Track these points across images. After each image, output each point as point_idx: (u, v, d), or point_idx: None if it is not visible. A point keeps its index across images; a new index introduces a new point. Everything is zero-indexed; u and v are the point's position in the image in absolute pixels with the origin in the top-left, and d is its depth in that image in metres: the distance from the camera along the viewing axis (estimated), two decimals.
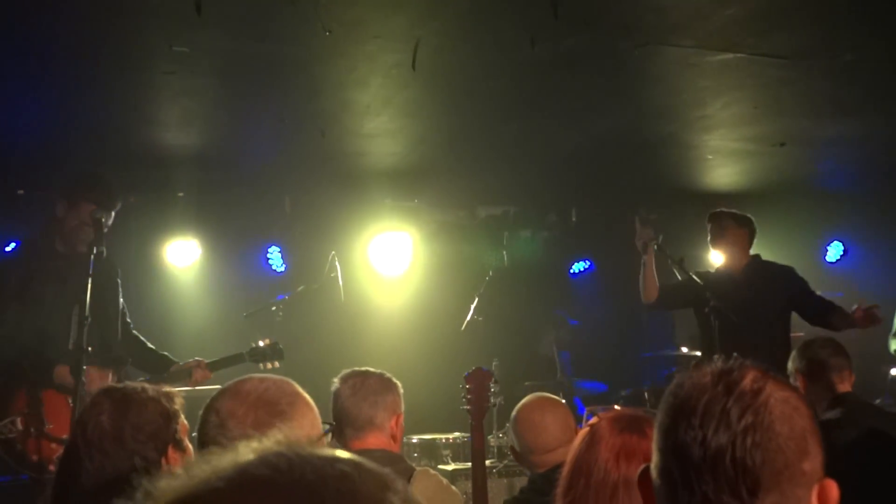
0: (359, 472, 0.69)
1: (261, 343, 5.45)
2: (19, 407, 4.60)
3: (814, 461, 1.34)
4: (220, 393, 2.18)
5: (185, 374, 5.11)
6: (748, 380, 1.36)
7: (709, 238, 6.12)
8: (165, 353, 5.27)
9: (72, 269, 4.70)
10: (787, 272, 6.11)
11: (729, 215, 6.09)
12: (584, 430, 2.10)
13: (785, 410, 1.34)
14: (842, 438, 3.58)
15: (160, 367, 5.14)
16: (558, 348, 8.19)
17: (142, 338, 5.28)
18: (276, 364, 5.38)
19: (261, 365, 5.36)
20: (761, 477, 1.30)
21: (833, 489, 1.34)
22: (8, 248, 5.99)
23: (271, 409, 2.10)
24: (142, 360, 5.17)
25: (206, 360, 5.21)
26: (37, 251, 4.88)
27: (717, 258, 8.28)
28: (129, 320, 5.27)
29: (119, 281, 5.18)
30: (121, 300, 5.18)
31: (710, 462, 1.31)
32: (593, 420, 2.10)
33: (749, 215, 6.20)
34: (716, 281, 5.91)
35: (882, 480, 3.32)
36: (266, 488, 0.66)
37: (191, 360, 5.19)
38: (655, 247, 5.76)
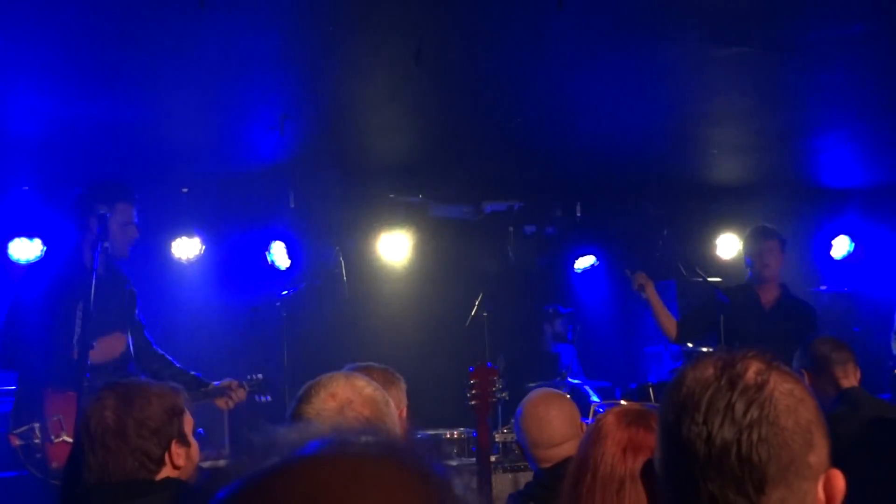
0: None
1: (255, 376, 5.29)
2: (52, 412, 4.61)
3: (819, 453, 1.32)
4: (332, 379, 2.22)
5: (216, 394, 4.98)
6: (752, 372, 1.33)
7: (759, 256, 5.76)
8: (194, 372, 5.09)
9: (113, 283, 4.84)
10: (809, 314, 5.85)
11: (780, 237, 5.79)
12: (591, 425, 2.09)
13: (790, 403, 1.31)
14: (847, 433, 3.57)
15: (190, 389, 5.03)
16: (556, 342, 8.17)
17: (168, 356, 5.13)
18: (269, 398, 5.27)
19: (256, 397, 5.27)
20: (767, 472, 1.27)
21: (839, 480, 1.32)
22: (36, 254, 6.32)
23: (378, 407, 2.18)
24: (167, 380, 5.04)
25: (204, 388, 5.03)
26: (76, 264, 4.81)
27: (722, 252, 8.25)
28: (148, 336, 5.14)
29: (132, 293, 5.17)
30: (136, 313, 5.16)
31: (715, 459, 1.28)
32: (600, 415, 2.10)
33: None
34: (740, 304, 5.70)
35: (887, 474, 3.31)
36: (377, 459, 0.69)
37: (226, 380, 5.02)
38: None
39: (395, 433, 0.73)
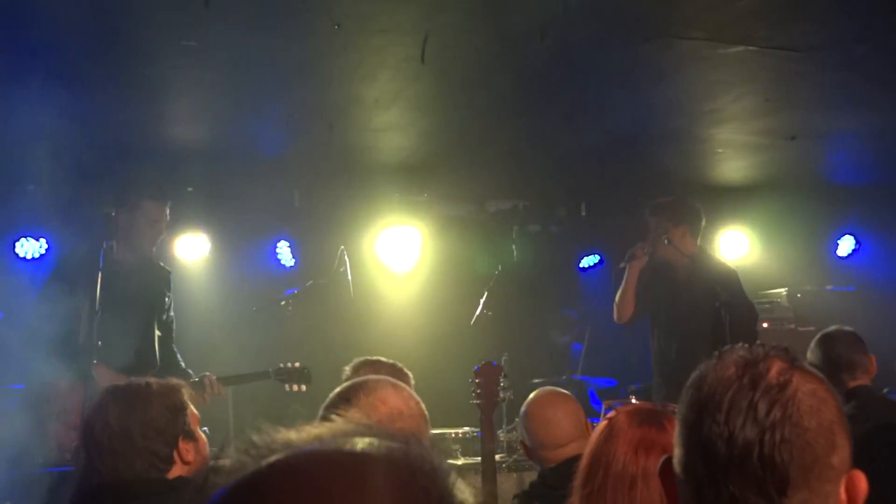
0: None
1: (289, 364, 5.37)
2: (57, 395, 4.69)
3: (842, 454, 1.30)
4: (380, 384, 2.17)
5: (195, 387, 5.10)
6: (774, 371, 1.31)
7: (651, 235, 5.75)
8: (189, 369, 5.26)
9: (143, 279, 4.98)
10: (725, 277, 5.73)
11: (665, 213, 5.74)
12: (602, 424, 2.09)
13: (813, 404, 1.29)
14: (856, 432, 3.55)
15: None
16: (568, 344, 8.17)
17: (178, 354, 5.32)
18: (303, 388, 5.30)
19: (286, 386, 5.32)
20: (790, 474, 1.25)
21: (861, 480, 1.30)
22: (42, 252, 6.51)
23: (422, 423, 2.15)
24: (167, 373, 5.14)
25: (232, 374, 5.25)
26: (94, 260, 4.85)
27: (727, 251, 8.24)
28: (173, 333, 5.31)
29: (169, 290, 5.29)
30: (166, 308, 5.26)
31: (736, 459, 1.26)
32: (611, 413, 2.09)
33: (690, 204, 5.86)
34: (654, 275, 5.75)
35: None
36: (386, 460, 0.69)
37: (203, 374, 5.12)
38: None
39: (425, 446, 0.72)
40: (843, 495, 1.29)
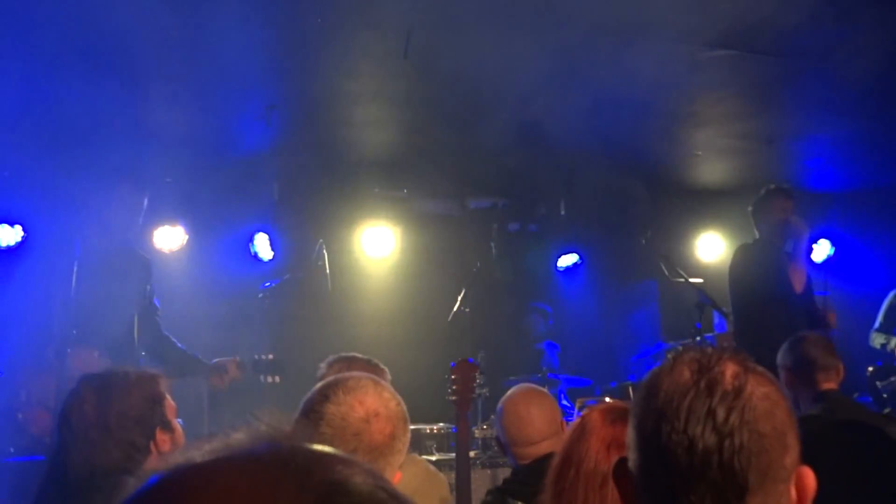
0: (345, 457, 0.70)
1: (263, 356, 5.37)
2: (34, 379, 4.67)
3: (793, 454, 1.31)
4: (360, 384, 2.13)
5: (212, 371, 5.08)
6: (729, 375, 1.31)
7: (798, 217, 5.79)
8: (197, 354, 5.21)
9: (119, 266, 4.90)
10: None
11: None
12: (575, 421, 2.10)
13: (767, 407, 1.30)
14: (820, 433, 3.59)
15: (191, 370, 5.09)
16: (542, 338, 8.19)
17: (173, 338, 5.25)
18: (277, 379, 5.30)
19: (260, 377, 5.31)
20: (748, 480, 1.26)
21: (810, 478, 1.32)
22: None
23: (400, 424, 2.13)
24: (171, 362, 5.04)
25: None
26: (71, 246, 4.83)
27: (704, 253, 8.30)
28: (158, 320, 5.24)
29: (149, 276, 5.25)
30: (146, 294, 5.22)
31: (697, 468, 1.27)
32: (585, 411, 2.10)
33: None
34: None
35: (859, 474, 3.34)
36: (253, 463, 0.68)
37: (225, 358, 5.13)
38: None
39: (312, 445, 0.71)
40: (793, 493, 1.31)
